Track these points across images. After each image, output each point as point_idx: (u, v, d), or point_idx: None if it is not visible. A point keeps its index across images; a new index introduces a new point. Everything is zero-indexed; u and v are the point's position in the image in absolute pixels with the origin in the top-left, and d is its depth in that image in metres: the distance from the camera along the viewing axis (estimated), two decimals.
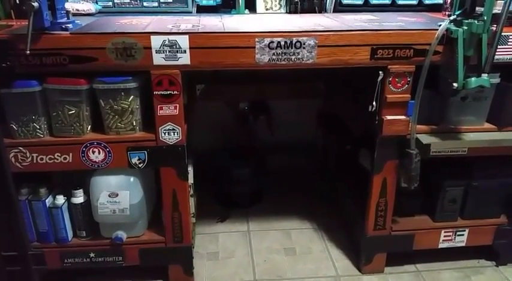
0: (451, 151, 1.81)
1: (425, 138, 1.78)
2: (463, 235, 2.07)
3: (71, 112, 1.68)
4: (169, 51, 1.59)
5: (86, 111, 1.70)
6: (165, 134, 1.72)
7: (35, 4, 1.45)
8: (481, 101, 1.82)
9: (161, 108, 1.68)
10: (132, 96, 1.69)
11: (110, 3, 2.13)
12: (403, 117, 1.75)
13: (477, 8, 1.62)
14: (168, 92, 1.66)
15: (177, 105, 1.69)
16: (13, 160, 1.69)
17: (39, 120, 1.68)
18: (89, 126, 1.74)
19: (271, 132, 2.80)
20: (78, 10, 1.98)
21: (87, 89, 1.65)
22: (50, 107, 1.68)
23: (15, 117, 1.67)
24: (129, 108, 1.70)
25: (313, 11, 2.20)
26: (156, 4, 2.14)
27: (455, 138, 1.81)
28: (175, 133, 1.73)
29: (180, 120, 1.72)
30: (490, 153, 1.84)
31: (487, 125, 1.89)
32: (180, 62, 1.61)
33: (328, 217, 2.55)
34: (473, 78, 1.60)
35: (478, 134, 1.84)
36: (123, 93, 1.67)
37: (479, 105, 1.84)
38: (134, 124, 1.74)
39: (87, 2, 2.07)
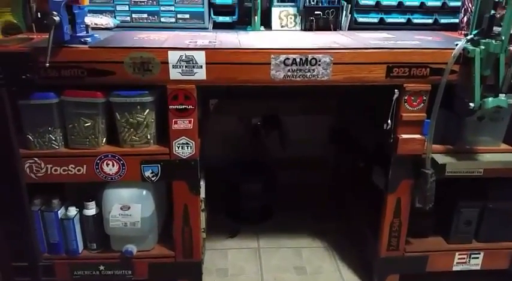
0: (466, 171, 1.78)
1: (440, 158, 1.76)
2: (477, 258, 2.02)
3: (86, 124, 1.69)
4: (185, 66, 1.61)
5: (102, 124, 1.71)
6: (178, 148, 1.73)
7: (57, 18, 1.48)
8: (497, 121, 1.80)
9: (176, 123, 1.69)
10: (147, 110, 1.70)
11: (128, 18, 2.16)
12: (418, 136, 1.74)
13: (494, 28, 1.62)
14: (184, 107, 1.67)
15: (192, 119, 1.69)
16: (28, 170, 1.71)
17: (55, 131, 1.70)
18: (104, 139, 1.75)
19: (283, 147, 2.79)
20: (97, 24, 2.01)
21: (103, 102, 1.67)
22: (66, 119, 1.70)
23: (32, 129, 1.69)
24: (145, 122, 1.71)
25: (328, 29, 2.21)
26: (173, 20, 2.17)
27: (471, 159, 1.79)
28: (189, 147, 1.73)
29: (194, 135, 1.72)
30: (507, 174, 1.81)
31: (503, 146, 1.86)
32: (196, 77, 1.63)
33: (339, 235, 2.52)
34: (490, 99, 1.58)
35: (494, 155, 1.82)
36: (139, 107, 1.69)
37: (495, 126, 1.82)
38: (149, 137, 1.75)
39: (105, 16, 2.10)
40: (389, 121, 1.73)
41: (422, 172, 1.73)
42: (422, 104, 1.70)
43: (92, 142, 1.72)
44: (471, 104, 1.59)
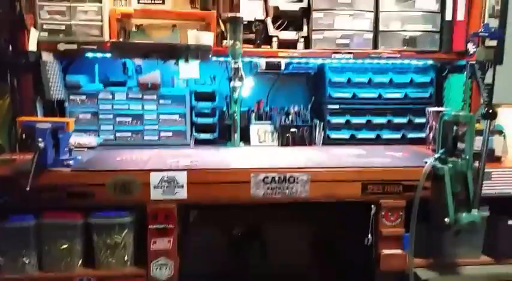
0: None
1: (423, 273, 1.75)
2: None
3: (63, 247, 1.65)
4: (167, 187, 1.64)
5: (79, 245, 1.67)
6: (156, 269, 1.67)
7: (41, 145, 1.53)
8: (474, 234, 1.83)
9: (155, 243, 1.67)
10: (126, 231, 1.68)
11: (112, 137, 2.24)
12: (399, 251, 1.75)
13: (459, 144, 1.73)
14: (163, 226, 1.66)
15: (171, 239, 1.67)
16: None
17: (30, 254, 1.64)
18: (80, 261, 1.69)
19: (264, 259, 2.72)
20: (80, 144, 2.07)
21: (82, 223, 1.65)
22: (42, 241, 1.65)
23: (4, 252, 1.62)
24: (122, 243, 1.68)
25: (303, 144, 2.32)
26: (156, 138, 2.26)
27: (453, 273, 1.78)
28: (168, 268, 1.68)
29: (173, 255, 1.69)
30: None
31: (483, 258, 1.87)
32: (177, 196, 1.65)
33: None
34: (464, 214, 1.64)
35: (475, 268, 1.82)
36: (117, 228, 1.67)
37: (473, 238, 1.85)
38: (126, 258, 1.70)
39: (89, 135, 2.17)
40: (369, 236, 1.74)
41: None
42: (400, 219, 1.74)
43: (68, 265, 1.66)
44: (446, 220, 1.64)
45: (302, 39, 2.30)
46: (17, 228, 1.62)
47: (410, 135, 2.39)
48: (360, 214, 1.82)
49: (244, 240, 2.73)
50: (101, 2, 2.11)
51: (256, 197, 1.69)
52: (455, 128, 1.77)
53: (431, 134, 2.22)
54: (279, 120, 2.33)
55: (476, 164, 1.72)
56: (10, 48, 1.97)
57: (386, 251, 1.74)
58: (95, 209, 1.66)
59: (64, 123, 1.63)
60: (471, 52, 2.28)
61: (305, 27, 2.31)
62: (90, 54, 2.19)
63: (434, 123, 2.19)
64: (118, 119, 2.24)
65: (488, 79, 2.26)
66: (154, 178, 1.63)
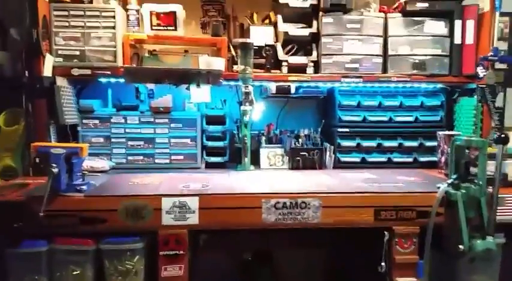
0: None
1: None
2: None
3: (75, 272, 1.65)
4: (178, 212, 1.64)
5: (90, 271, 1.66)
6: None
7: (55, 170, 1.55)
8: (489, 261, 1.80)
9: (165, 269, 1.66)
10: (137, 257, 1.68)
11: (124, 160, 2.25)
12: (414, 279, 1.72)
13: (472, 168, 1.72)
14: (174, 252, 1.65)
15: (182, 265, 1.66)
16: None
17: (42, 280, 1.64)
18: None
19: None
20: (93, 167, 2.08)
21: (93, 249, 1.65)
22: (54, 267, 1.65)
23: (16, 278, 1.62)
24: (134, 269, 1.67)
25: (314, 167, 2.32)
26: (167, 161, 2.27)
27: None
28: None
29: None
30: None
31: None
32: (189, 222, 1.65)
33: None
34: (478, 241, 1.61)
35: None
36: (128, 254, 1.67)
37: (488, 265, 1.81)
38: None
39: (101, 159, 2.19)
40: (383, 264, 1.72)
41: None
42: (413, 246, 1.72)
43: None
44: (461, 247, 1.61)
45: (311, 64, 2.32)
46: (29, 253, 1.62)
47: (422, 158, 2.38)
48: (373, 240, 1.80)
49: (255, 265, 2.70)
50: (114, 28, 2.16)
51: (267, 223, 1.68)
52: (467, 151, 1.76)
53: (443, 158, 2.21)
54: (289, 144, 2.34)
55: (490, 189, 1.70)
56: (26, 73, 2.02)
57: (400, 279, 1.71)
58: (107, 234, 1.66)
59: (78, 149, 1.65)
60: (481, 75, 2.28)
61: (314, 52, 2.34)
62: (103, 79, 2.23)
63: (445, 147, 2.18)
64: (130, 142, 2.27)
65: (498, 102, 2.27)
66: (166, 203, 1.63)
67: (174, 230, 1.65)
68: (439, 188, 1.69)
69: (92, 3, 2.20)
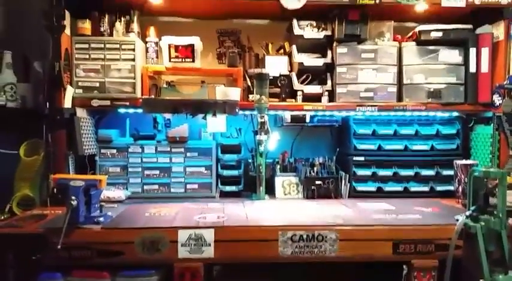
0: None
1: None
2: None
3: None
4: (194, 245, 1.64)
5: None
6: None
7: (74, 203, 1.57)
8: None
9: None
10: None
11: (139, 190, 2.27)
12: None
13: (491, 199, 1.69)
14: None
15: None
16: None
17: None
18: None
19: None
20: (109, 197, 2.10)
21: None
22: None
23: None
24: None
25: (329, 197, 2.30)
26: (182, 190, 2.29)
27: None
28: None
29: None
30: None
31: None
32: (204, 255, 1.64)
33: None
34: (500, 277, 1.57)
35: None
36: None
37: None
38: None
39: (118, 189, 2.21)
40: None
41: None
42: (432, 280, 1.68)
43: None
44: None
45: (326, 93, 2.34)
46: None
47: (439, 188, 2.35)
48: (390, 273, 1.76)
49: None
50: (134, 60, 2.21)
51: (284, 256, 1.67)
52: (485, 181, 1.74)
53: (460, 187, 2.18)
54: (304, 172, 2.33)
55: (510, 221, 1.67)
56: (47, 105, 2.07)
57: None
58: (122, 266, 1.66)
59: (97, 182, 1.67)
60: (497, 104, 2.27)
61: (329, 81, 2.36)
62: (122, 110, 2.28)
63: (462, 176, 2.16)
64: (146, 172, 2.29)
65: None
66: (182, 235, 1.63)
67: (189, 263, 1.64)
68: (457, 220, 1.67)
69: (112, 36, 2.27)
